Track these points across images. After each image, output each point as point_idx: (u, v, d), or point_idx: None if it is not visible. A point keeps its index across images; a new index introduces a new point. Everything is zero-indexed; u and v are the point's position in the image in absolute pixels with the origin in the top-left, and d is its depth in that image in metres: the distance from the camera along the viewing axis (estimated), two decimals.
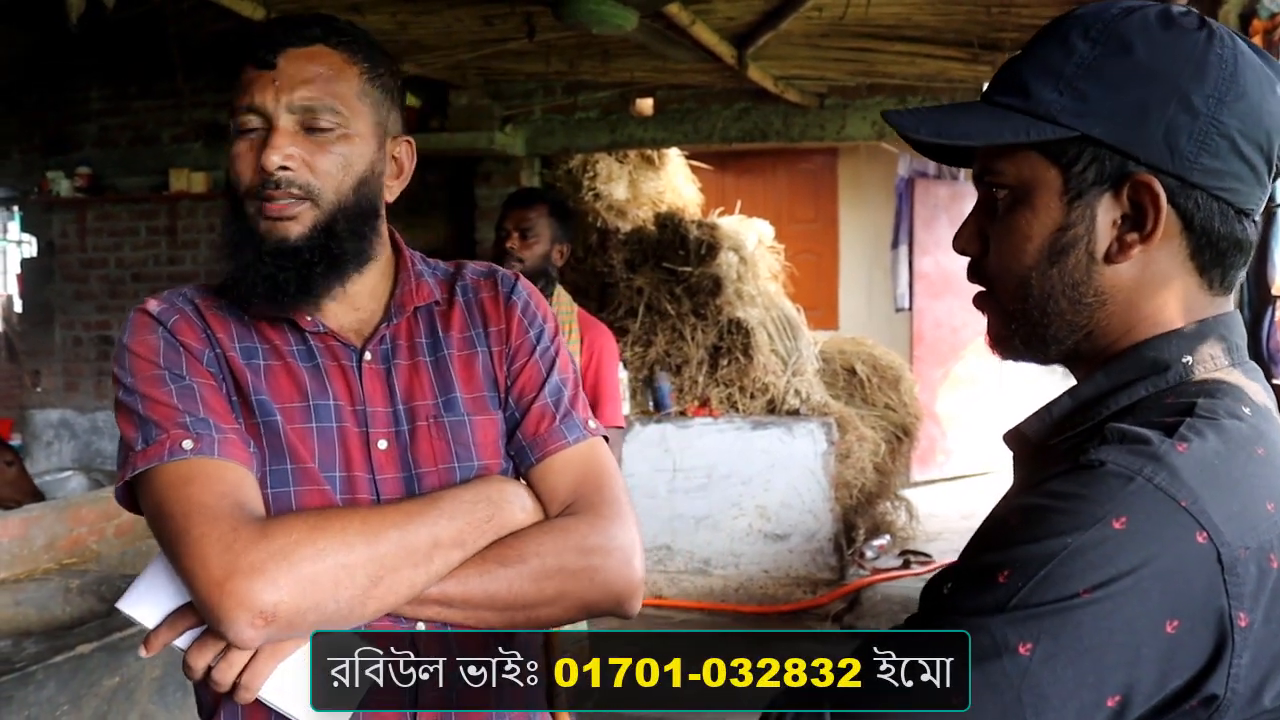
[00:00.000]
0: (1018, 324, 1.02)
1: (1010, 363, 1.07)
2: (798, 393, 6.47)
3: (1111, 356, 0.98)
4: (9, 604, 2.77)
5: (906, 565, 6.63)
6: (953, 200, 9.17)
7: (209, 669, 1.23)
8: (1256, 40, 3.56)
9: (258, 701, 1.25)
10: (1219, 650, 0.83)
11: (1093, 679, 0.82)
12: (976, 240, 1.04)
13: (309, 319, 1.41)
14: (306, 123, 1.35)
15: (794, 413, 6.41)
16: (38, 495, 3.82)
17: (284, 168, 1.33)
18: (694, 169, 7.99)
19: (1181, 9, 0.97)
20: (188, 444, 1.28)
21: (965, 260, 1.07)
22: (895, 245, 9.09)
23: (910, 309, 9.10)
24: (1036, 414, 1.02)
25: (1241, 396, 0.93)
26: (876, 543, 6.78)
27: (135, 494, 1.33)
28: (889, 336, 8.59)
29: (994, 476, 9.12)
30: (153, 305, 1.41)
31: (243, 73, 1.37)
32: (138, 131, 7.28)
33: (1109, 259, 0.96)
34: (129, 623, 1.52)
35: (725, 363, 6.51)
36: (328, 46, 1.38)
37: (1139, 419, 0.91)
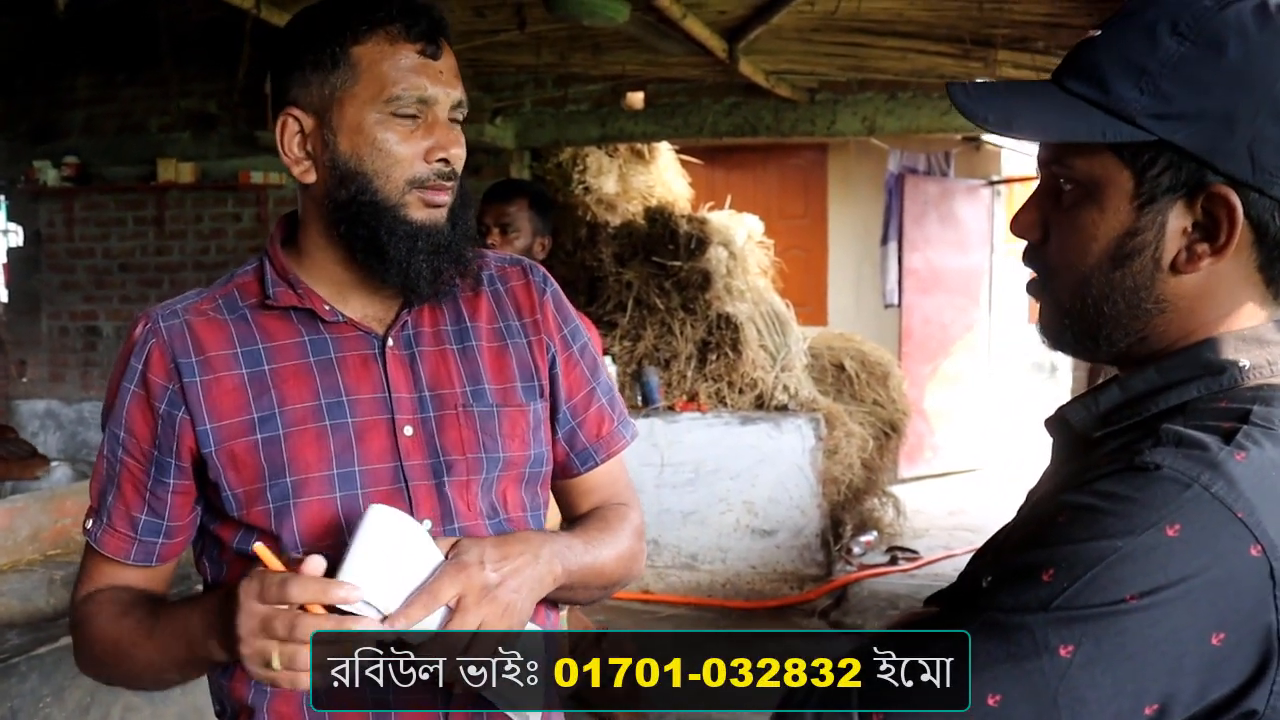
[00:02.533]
0: (1072, 320, 0.98)
1: (1056, 351, 1.04)
2: (786, 388, 6.47)
3: (1166, 354, 0.95)
4: None
5: (893, 561, 6.63)
6: (943, 197, 9.18)
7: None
8: None
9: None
10: (1264, 666, 0.82)
11: (1132, 686, 0.80)
12: (1038, 228, 0.99)
13: (328, 308, 1.40)
14: (453, 114, 1.38)
15: (782, 408, 6.40)
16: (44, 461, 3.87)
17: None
18: (684, 163, 7.98)
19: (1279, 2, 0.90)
20: (89, 523, 1.45)
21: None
22: (885, 241, 9.09)
23: (899, 305, 9.10)
24: (1081, 401, 0.98)
25: None
26: (863, 539, 6.78)
27: None
28: (878, 332, 8.60)
29: (981, 473, 9.15)
30: (140, 328, 1.41)
31: (396, 54, 1.33)
32: (125, 120, 7.24)
33: (1175, 268, 0.92)
34: None
35: (714, 358, 6.50)
36: (449, 42, 1.39)
37: (1190, 420, 0.88)
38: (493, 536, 1.32)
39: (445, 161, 1.35)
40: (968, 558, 1.02)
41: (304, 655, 1.14)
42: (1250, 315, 0.94)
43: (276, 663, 1.15)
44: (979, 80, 1.01)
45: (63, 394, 7.36)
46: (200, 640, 1.27)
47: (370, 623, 1.17)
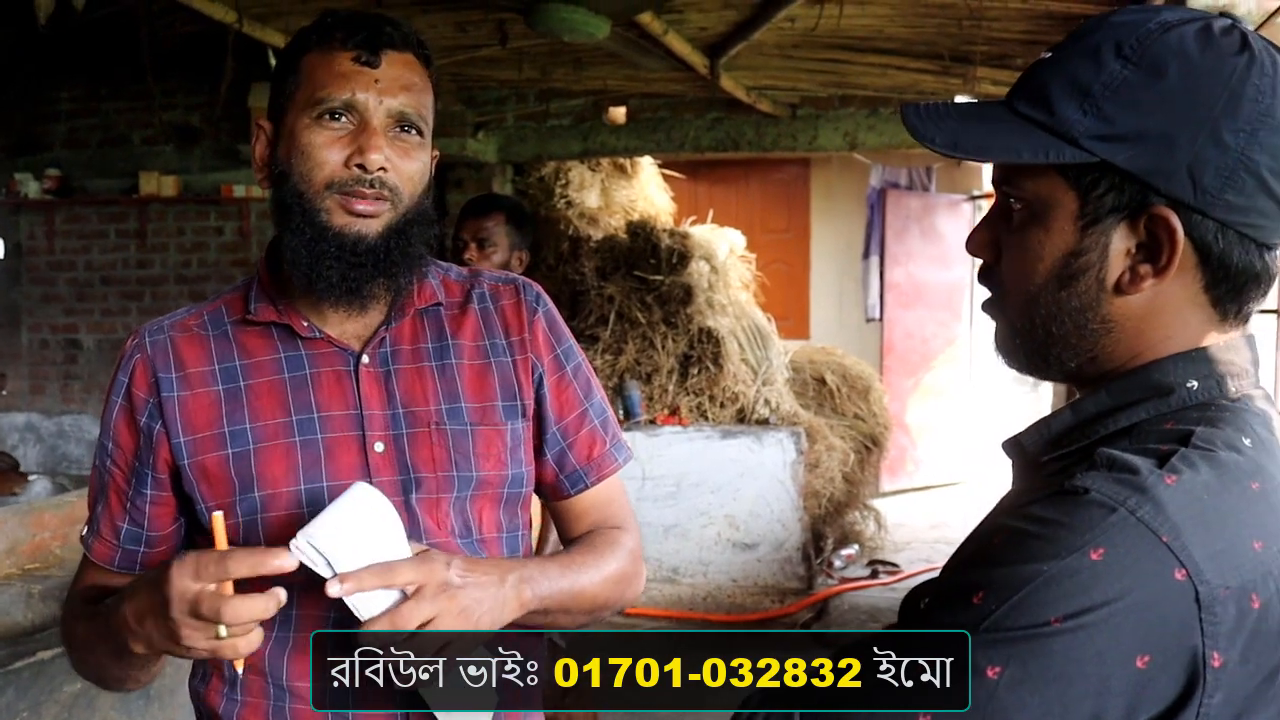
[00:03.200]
0: (1023, 339, 0.99)
1: (1011, 371, 1.04)
2: (767, 402, 6.49)
3: (1116, 376, 0.95)
4: None
5: (874, 575, 6.64)
6: (924, 211, 9.22)
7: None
8: None
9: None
10: (1190, 689, 0.82)
11: (1059, 708, 0.81)
12: (991, 248, 1.00)
13: (305, 324, 1.41)
14: (395, 126, 1.37)
15: (763, 422, 6.42)
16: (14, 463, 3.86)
17: (382, 168, 1.35)
18: (666, 178, 8.00)
19: (1226, 24, 0.91)
20: (84, 530, 1.48)
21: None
22: (866, 256, 9.12)
23: (881, 319, 9.13)
24: (1036, 425, 0.99)
25: (1244, 426, 0.90)
26: (845, 552, 6.79)
27: None
28: (859, 346, 8.63)
29: (963, 487, 9.17)
30: (129, 343, 1.45)
31: (329, 60, 1.36)
32: (107, 133, 7.23)
33: (1119, 289, 0.92)
34: None
35: (695, 371, 6.52)
36: (415, 56, 1.40)
37: (1135, 443, 0.89)
38: (463, 554, 1.33)
39: (363, 167, 1.34)
40: None
41: (249, 615, 1.16)
42: (1198, 335, 0.94)
43: (225, 631, 1.16)
44: (932, 102, 1.00)
45: (43, 407, 7.32)
46: (121, 635, 1.26)
47: (369, 607, 1.18)
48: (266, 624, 1.25)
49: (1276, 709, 0.87)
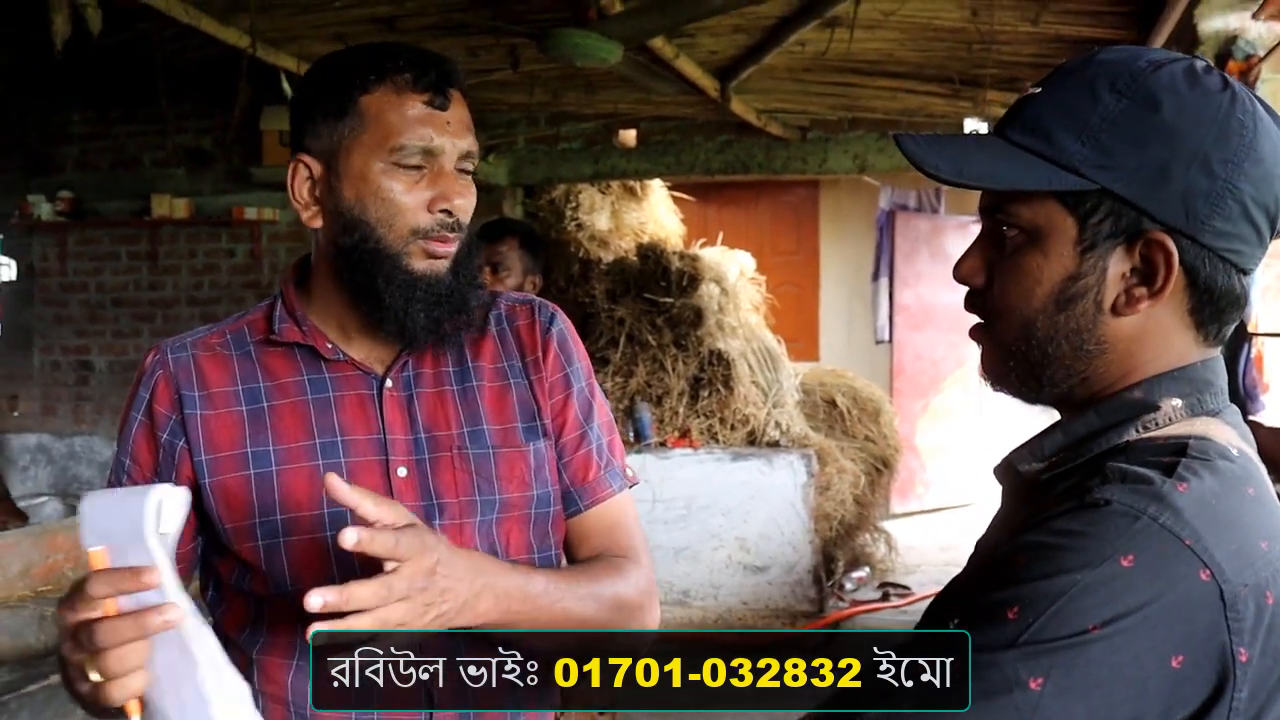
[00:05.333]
0: (1017, 362, 1.02)
1: (998, 394, 1.07)
2: (778, 424, 6.48)
3: (1103, 398, 0.99)
4: None
5: (885, 598, 6.62)
6: (933, 233, 9.22)
7: None
8: None
9: None
10: (1221, 685, 0.85)
11: (1103, 713, 0.83)
12: (982, 273, 1.03)
13: (330, 346, 1.41)
14: (459, 165, 1.38)
15: (774, 444, 6.41)
16: (21, 515, 3.79)
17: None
18: (676, 200, 8.02)
19: (1205, 65, 0.97)
20: None
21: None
22: (876, 277, 9.13)
23: (890, 341, 9.12)
24: (1027, 447, 1.02)
25: (1229, 438, 0.95)
26: (856, 575, 6.78)
27: None
28: (869, 369, 8.61)
29: (974, 509, 9.14)
30: (150, 359, 1.43)
31: (402, 103, 1.34)
32: (119, 155, 7.27)
33: (1115, 310, 0.96)
34: None
35: (706, 394, 6.51)
36: (462, 93, 1.41)
37: (1132, 458, 0.92)
38: (448, 544, 1.22)
39: (448, 212, 1.35)
40: None
41: (113, 661, 1.06)
42: (1181, 356, 0.98)
43: (94, 675, 1.07)
44: (925, 133, 1.06)
45: (54, 428, 7.35)
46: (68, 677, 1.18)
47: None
48: (286, 651, 1.25)
49: None
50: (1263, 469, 0.98)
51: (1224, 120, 0.93)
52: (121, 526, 1.10)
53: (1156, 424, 0.96)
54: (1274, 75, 3.66)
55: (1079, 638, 0.83)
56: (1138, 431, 0.96)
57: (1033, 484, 1.01)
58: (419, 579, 1.13)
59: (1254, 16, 3.74)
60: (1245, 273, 0.97)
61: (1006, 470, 1.04)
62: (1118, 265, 0.95)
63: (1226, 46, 3.76)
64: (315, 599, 1.05)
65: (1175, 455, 0.91)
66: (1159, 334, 0.98)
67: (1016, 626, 0.84)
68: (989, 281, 1.02)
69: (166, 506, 1.10)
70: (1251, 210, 0.94)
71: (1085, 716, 0.83)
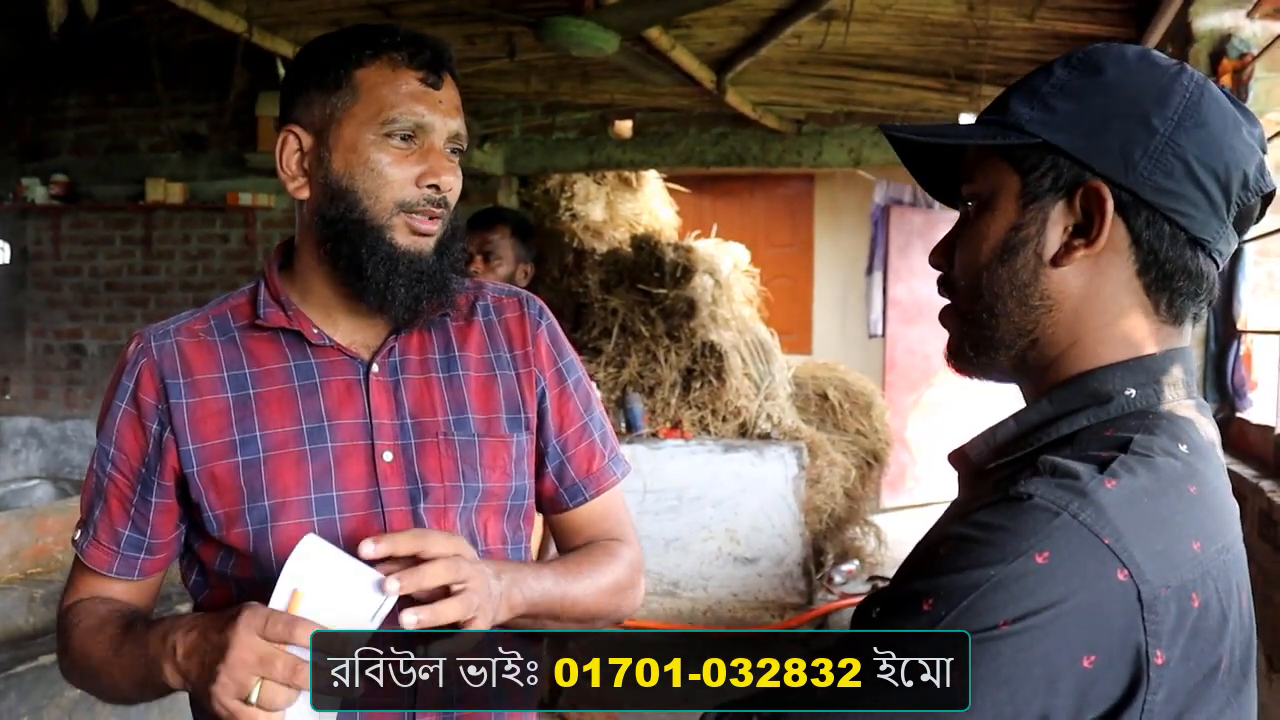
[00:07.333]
0: (969, 327, 1.03)
1: (972, 380, 1.08)
2: (769, 417, 6.49)
3: (1057, 384, 0.99)
4: None
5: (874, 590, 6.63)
6: (928, 227, 9.22)
7: None
8: (1225, 80, 3.62)
9: None
10: (1134, 686, 0.85)
11: (1009, 709, 0.83)
12: (945, 253, 1.06)
13: (315, 331, 1.42)
14: (449, 146, 1.40)
15: (765, 437, 6.42)
16: None
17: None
18: (671, 191, 8.02)
19: (1167, 56, 1.00)
20: (78, 534, 1.47)
21: (938, 288, 1.08)
22: (870, 271, 9.13)
23: (883, 335, 9.13)
24: (981, 436, 1.03)
25: (1180, 433, 0.94)
26: (845, 568, 6.79)
27: None
28: (862, 362, 8.63)
29: None
30: (133, 347, 1.44)
31: (396, 79, 1.37)
32: (115, 140, 7.25)
33: (1055, 262, 0.98)
34: None
35: (698, 385, 6.52)
36: (454, 78, 1.43)
37: (1076, 450, 0.92)
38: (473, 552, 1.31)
39: (435, 188, 1.37)
40: None
41: (283, 697, 1.15)
42: (1135, 326, 0.98)
43: (255, 696, 1.14)
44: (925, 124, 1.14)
45: (46, 412, 7.34)
46: (158, 664, 1.25)
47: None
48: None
49: (1217, 706, 0.90)
50: (1220, 467, 0.97)
51: (1166, 85, 0.95)
52: (337, 591, 1.20)
53: (1109, 415, 0.96)
54: (1268, 74, 3.67)
55: (989, 633, 0.83)
56: (1088, 421, 0.96)
57: (980, 474, 1.02)
58: (483, 590, 1.22)
59: (1248, 15, 3.75)
60: (1201, 245, 0.96)
61: (960, 458, 1.05)
62: (1059, 219, 0.98)
63: (1221, 44, 3.77)
64: (410, 618, 1.16)
65: (1116, 450, 0.90)
66: (1106, 295, 0.98)
67: (929, 618, 0.85)
68: (952, 260, 1.05)
69: (384, 609, 1.20)
70: (1197, 171, 0.94)
71: (992, 711, 0.83)
